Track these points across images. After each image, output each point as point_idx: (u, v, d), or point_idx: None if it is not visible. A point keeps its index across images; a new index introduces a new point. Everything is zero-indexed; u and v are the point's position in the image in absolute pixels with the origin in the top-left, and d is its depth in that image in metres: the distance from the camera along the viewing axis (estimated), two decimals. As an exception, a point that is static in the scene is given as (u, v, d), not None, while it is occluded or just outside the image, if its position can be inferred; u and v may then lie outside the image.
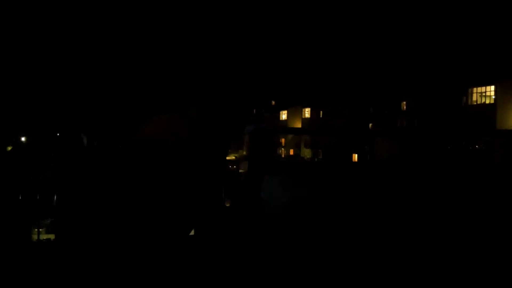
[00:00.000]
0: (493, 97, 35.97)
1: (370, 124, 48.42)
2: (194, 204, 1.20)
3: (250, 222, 1.29)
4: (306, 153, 52.35)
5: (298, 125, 55.27)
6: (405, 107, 44.65)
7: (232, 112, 1.34)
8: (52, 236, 4.29)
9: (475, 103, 37.16)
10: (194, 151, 1.21)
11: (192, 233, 1.24)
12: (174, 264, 1.17)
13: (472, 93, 37.44)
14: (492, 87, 36.07)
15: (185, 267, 1.19)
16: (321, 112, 53.87)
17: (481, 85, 36.82)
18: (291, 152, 54.43)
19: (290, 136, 54.25)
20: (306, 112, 55.21)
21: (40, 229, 4.53)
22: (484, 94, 36.78)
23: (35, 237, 4.66)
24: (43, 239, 4.40)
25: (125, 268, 1.10)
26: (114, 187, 1.15)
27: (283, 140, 55.67)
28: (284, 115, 58.08)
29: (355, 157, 46.47)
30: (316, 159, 49.67)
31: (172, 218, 1.17)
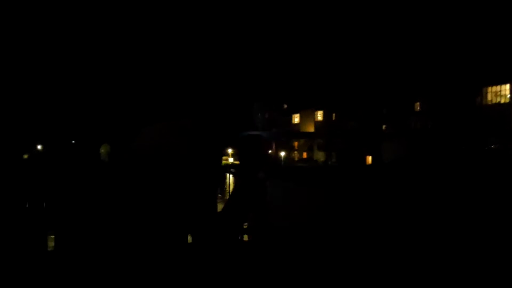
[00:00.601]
0: (509, 96, 35.41)
1: (384, 126, 48.07)
2: (189, 211, 1.26)
3: (236, 231, 1.35)
4: (320, 156, 52.15)
5: (311, 128, 55.11)
6: (418, 108, 44.26)
7: (225, 120, 1.39)
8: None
9: (490, 103, 36.64)
10: (187, 159, 1.27)
11: (189, 240, 1.30)
12: (171, 271, 1.23)
13: (486, 92, 36.94)
14: (507, 86, 35.52)
15: (181, 273, 1.25)
16: (334, 114, 53.69)
17: (496, 84, 36.30)
18: (304, 155, 54.28)
19: (302, 139, 54.15)
20: (318, 115, 55.05)
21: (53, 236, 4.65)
22: (499, 93, 36.24)
23: (51, 244, 4.78)
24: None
25: (122, 274, 1.17)
26: (111, 197, 1.22)
27: (296, 144, 55.57)
28: (296, 119, 58.00)
29: (369, 159, 46.14)
30: (329, 162, 49.44)
31: (168, 226, 1.23)
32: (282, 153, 50.99)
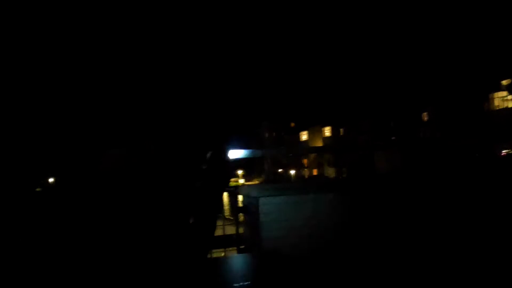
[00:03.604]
0: (516, 100, 35.24)
1: (393, 138, 47.90)
2: (155, 231, 1.36)
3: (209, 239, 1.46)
4: (330, 172, 51.94)
5: (319, 144, 55.11)
6: (426, 118, 44.16)
7: (188, 142, 1.51)
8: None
9: (498, 108, 36.45)
10: (149, 183, 1.39)
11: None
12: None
13: (493, 98, 36.79)
14: (514, 91, 35.36)
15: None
16: (342, 129, 53.69)
17: (502, 90, 36.21)
18: (315, 172, 54.12)
19: (312, 156, 54.10)
20: (326, 131, 55.12)
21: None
22: (505, 98, 36.10)
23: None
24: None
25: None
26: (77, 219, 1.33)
27: (305, 161, 55.49)
28: (304, 136, 58.09)
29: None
30: (340, 177, 49.16)
31: (134, 246, 1.33)
32: (292, 171, 50.89)
